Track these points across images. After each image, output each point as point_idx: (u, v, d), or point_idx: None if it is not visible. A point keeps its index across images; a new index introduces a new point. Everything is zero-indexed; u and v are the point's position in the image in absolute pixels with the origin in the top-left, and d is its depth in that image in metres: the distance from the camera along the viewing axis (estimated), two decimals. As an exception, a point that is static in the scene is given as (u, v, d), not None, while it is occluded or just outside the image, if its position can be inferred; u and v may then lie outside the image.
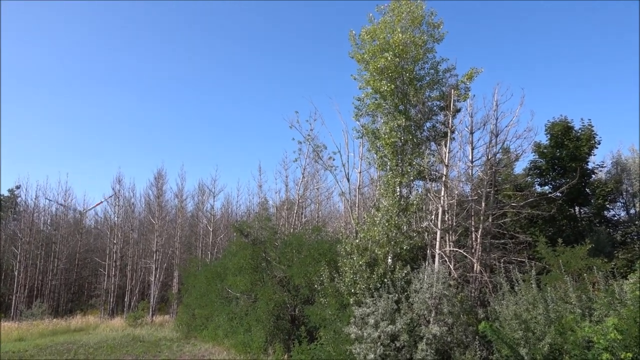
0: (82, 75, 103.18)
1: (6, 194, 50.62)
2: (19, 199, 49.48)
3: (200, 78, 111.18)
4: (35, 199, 43.40)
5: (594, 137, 20.38)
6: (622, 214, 22.29)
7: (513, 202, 16.76)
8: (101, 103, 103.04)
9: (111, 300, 37.13)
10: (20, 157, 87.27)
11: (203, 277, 23.21)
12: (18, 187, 49.46)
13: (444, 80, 16.27)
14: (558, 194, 19.06)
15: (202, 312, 21.70)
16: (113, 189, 40.77)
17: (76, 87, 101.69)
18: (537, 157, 21.03)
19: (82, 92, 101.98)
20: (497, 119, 15.67)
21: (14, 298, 36.64)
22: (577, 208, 20.94)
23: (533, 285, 10.76)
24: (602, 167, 21.64)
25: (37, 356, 16.45)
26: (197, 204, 43.67)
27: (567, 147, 19.93)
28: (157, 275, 33.82)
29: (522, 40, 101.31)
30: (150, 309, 32.26)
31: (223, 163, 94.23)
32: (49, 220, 46.16)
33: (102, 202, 45.36)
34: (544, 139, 21.03)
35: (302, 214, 27.96)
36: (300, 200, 26.82)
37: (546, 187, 21.03)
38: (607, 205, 21.20)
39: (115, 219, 40.16)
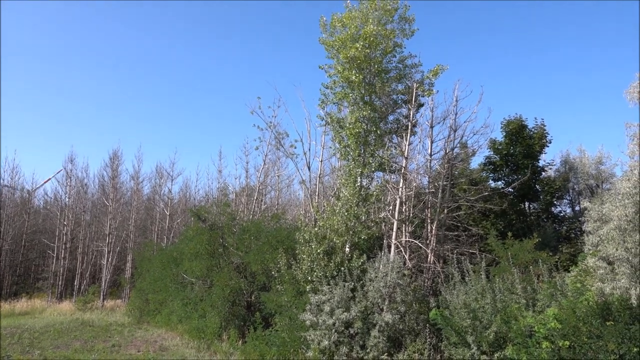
0: (34, 49, 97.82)
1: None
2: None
3: (159, 57, 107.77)
4: (-22, 176, 40.98)
5: (546, 136, 21.22)
6: (568, 210, 23.44)
7: (468, 196, 17.29)
8: (54, 79, 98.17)
9: (60, 283, 35.77)
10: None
11: (158, 262, 22.78)
12: (-40, 163, 46.64)
13: (409, 74, 16.52)
14: (510, 189, 19.79)
15: (155, 297, 21.33)
16: (64, 167, 39.14)
17: (26, 62, 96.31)
18: (492, 153, 21.68)
19: (33, 67, 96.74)
20: (456, 115, 16.09)
21: (-48, 279, 34.71)
22: (527, 203, 21.82)
23: (482, 276, 11.22)
24: (551, 165, 22.59)
25: (-22, 340, 15.72)
26: (154, 187, 42.59)
27: (520, 145, 20.65)
28: (110, 259, 32.85)
29: (486, 37, 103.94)
30: (102, 293, 31.35)
31: (182, 146, 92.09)
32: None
33: (50, 178, 43.43)
34: (499, 136, 21.72)
35: (262, 200, 27.83)
36: (260, 187, 26.67)
37: (499, 183, 21.76)
38: (555, 202, 22.21)
39: (67, 199, 38.60)
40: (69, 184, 38.71)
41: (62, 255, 35.99)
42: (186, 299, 18.75)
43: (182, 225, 34.34)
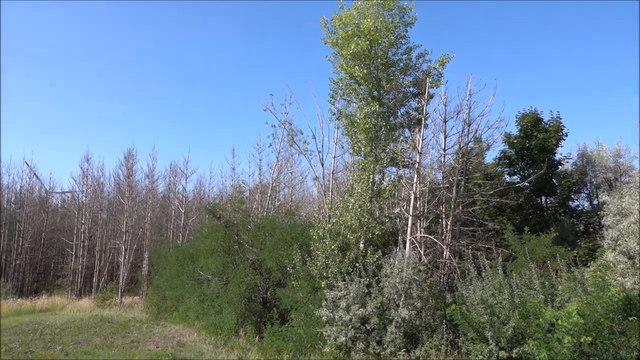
0: (50, 49, 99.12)
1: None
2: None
3: (172, 55, 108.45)
4: (-3, 176, 41.80)
5: (562, 129, 20.96)
6: (586, 204, 23.13)
7: (483, 191, 17.15)
8: (69, 79, 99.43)
9: (79, 280, 36.43)
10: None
11: (174, 259, 23.03)
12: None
13: (417, 66, 16.34)
14: (526, 183, 19.60)
15: (172, 293, 21.57)
16: (81, 167, 39.73)
17: (41, 62, 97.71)
18: (507, 147, 21.50)
19: (48, 67, 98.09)
20: (470, 109, 15.93)
21: (-25, 277, 35.51)
22: (543, 198, 21.59)
23: (499, 272, 11.12)
24: (568, 158, 22.31)
25: (1, 336, 16.06)
26: (169, 185, 43.07)
27: (536, 138, 20.43)
28: (127, 257, 33.31)
29: (498, 29, 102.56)
30: (119, 290, 31.83)
31: (196, 145, 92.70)
32: (12, 199, 44.70)
33: (69, 192, 44.13)
34: (514, 130, 21.51)
35: (275, 197, 27.95)
36: (274, 184, 26.76)
37: (515, 177, 21.57)
38: (572, 196, 21.95)
39: (83, 198, 39.24)
40: (85, 183, 39.33)
41: (81, 253, 36.62)
42: (203, 295, 18.92)
43: (197, 223, 34.66)
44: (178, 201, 37.60)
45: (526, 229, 15.00)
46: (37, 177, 43.64)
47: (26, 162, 42.39)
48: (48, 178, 48.58)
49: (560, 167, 21.49)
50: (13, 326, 18.82)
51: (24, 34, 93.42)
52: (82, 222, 37.41)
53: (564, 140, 21.07)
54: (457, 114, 16.21)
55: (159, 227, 40.97)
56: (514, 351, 9.42)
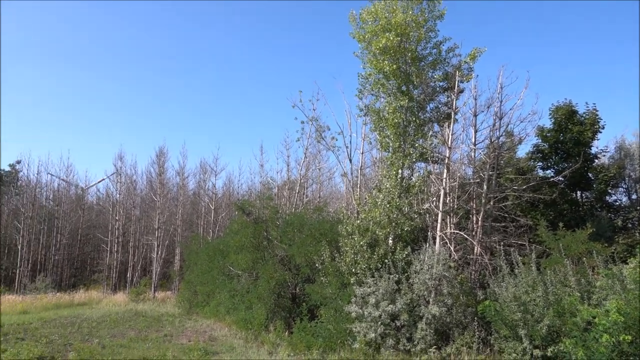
0: (85, 50, 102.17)
1: (7, 169, 50.77)
2: (21, 173, 49.63)
3: (200, 54, 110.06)
4: (37, 174, 43.47)
5: (598, 122, 20.25)
6: (624, 199, 22.29)
7: (515, 186, 16.76)
8: (101, 79, 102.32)
9: (114, 275, 37.53)
10: (21, 132, 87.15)
11: (205, 255, 23.42)
12: (19, 162, 49.59)
13: (447, 60, 16.08)
14: (560, 178, 19.05)
15: (203, 289, 21.96)
16: (115, 165, 40.87)
17: (76, 63, 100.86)
18: (540, 140, 20.95)
19: (82, 67, 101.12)
20: (501, 102, 15.55)
21: (17, 272, 37.04)
22: (578, 193, 20.96)
23: (533, 268, 10.87)
24: (605, 152, 21.56)
25: (42, 329, 16.72)
26: (199, 182, 43.85)
27: (570, 131, 19.82)
28: (159, 252, 34.10)
29: (529, 20, 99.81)
30: (153, 285, 32.64)
31: (225, 142, 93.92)
32: (51, 196, 46.37)
33: (104, 179, 45.51)
34: (547, 123, 20.93)
35: (303, 194, 28.05)
36: (302, 180, 26.87)
37: (548, 171, 21.00)
38: (609, 191, 21.19)
39: (117, 195, 40.36)
40: (119, 180, 40.44)
41: (115, 249, 37.72)
42: (233, 290, 19.19)
43: (227, 219, 35.14)
44: (208, 198, 38.21)
45: (561, 224, 14.61)
46: (67, 182, 45.16)
47: (50, 174, 44.10)
48: (84, 176, 50.18)
49: (596, 160, 20.78)
50: (53, 319, 19.55)
51: (63, 34, 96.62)
52: (116, 218, 38.48)
53: (601, 133, 20.35)
54: (488, 107, 15.86)
55: (190, 223, 41.75)
56: (548, 350, 9.22)
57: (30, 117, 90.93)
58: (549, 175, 20.27)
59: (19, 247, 37.68)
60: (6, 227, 42.80)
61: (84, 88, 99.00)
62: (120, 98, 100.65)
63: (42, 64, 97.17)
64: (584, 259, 11.79)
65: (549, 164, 21.00)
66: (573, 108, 20.44)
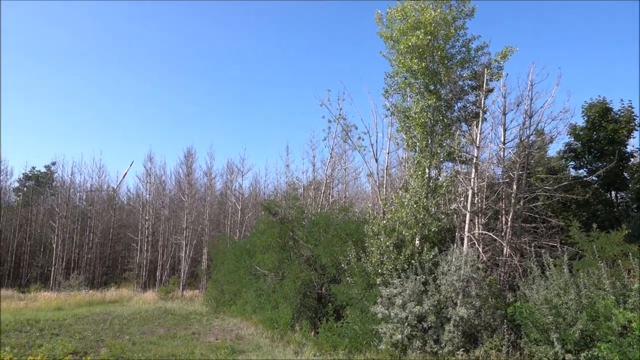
0: (115, 55, 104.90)
1: (43, 170, 52.60)
2: (55, 174, 51.37)
3: (226, 55, 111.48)
4: (71, 175, 44.86)
5: (634, 120, 19.57)
6: (661, 199, 21.44)
7: (546, 186, 16.35)
8: (132, 82, 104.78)
9: (143, 274, 38.40)
10: (56, 135, 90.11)
11: (232, 254, 23.69)
12: (54, 164, 51.31)
13: (476, 58, 15.76)
14: (594, 177, 18.50)
15: (230, 288, 22.20)
16: (144, 165, 41.81)
17: (106, 68, 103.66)
18: (572, 139, 20.39)
19: (112, 72, 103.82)
20: (531, 100, 15.20)
21: (52, 269, 38.32)
22: (613, 193, 20.31)
23: (565, 270, 10.56)
24: (642, 150, 20.79)
25: (75, 325, 17.24)
26: (226, 182, 44.42)
27: (604, 130, 19.24)
28: (187, 251, 34.69)
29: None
30: (181, 284, 33.22)
31: (251, 143, 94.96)
32: (84, 196, 47.79)
33: (126, 172, 46.83)
34: (580, 121, 20.36)
35: (329, 194, 28.05)
36: (327, 181, 26.87)
37: (581, 171, 20.42)
38: (646, 191, 20.43)
39: (147, 196, 41.26)
40: (148, 181, 41.34)
41: (145, 248, 38.58)
42: (259, 290, 19.34)
43: (253, 219, 35.46)
44: (235, 198, 38.64)
45: (594, 225, 14.15)
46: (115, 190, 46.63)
47: (113, 187, 45.47)
48: (115, 177, 51.49)
49: (632, 159, 20.07)
50: (86, 316, 20.14)
51: (101, 37, 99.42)
52: (146, 218, 39.35)
53: (637, 130, 19.69)
54: (518, 105, 15.52)
55: (217, 223, 42.33)
56: (581, 355, 8.93)
57: (65, 119, 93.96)
58: (582, 175, 19.72)
59: (54, 246, 38.96)
60: (42, 226, 44.36)
61: (116, 90, 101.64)
62: (151, 99, 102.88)
63: (75, 67, 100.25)
64: (619, 261, 11.38)
65: (582, 163, 20.42)
66: (607, 105, 19.83)
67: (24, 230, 44.18)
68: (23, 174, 51.11)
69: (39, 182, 51.11)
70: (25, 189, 50.54)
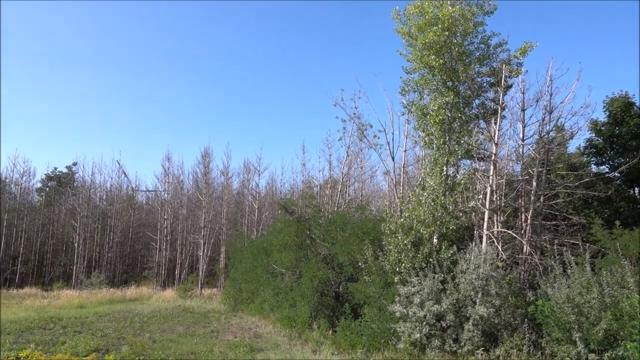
0: (131, 57, 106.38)
1: (64, 170, 53.63)
2: (76, 175, 52.35)
3: (242, 56, 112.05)
4: (91, 175, 45.68)
5: (659, 114, 19.11)
6: (687, 196, 20.90)
7: (566, 182, 16.07)
8: (148, 83, 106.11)
9: (162, 272, 38.86)
10: (76, 136, 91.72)
11: (249, 253, 23.82)
12: (75, 164, 52.28)
13: (494, 55, 15.56)
14: (616, 174, 18.11)
15: (248, 286, 22.33)
16: (163, 166, 42.29)
17: (123, 70, 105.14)
18: (593, 135, 20.00)
19: (129, 75, 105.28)
20: (551, 95, 15.00)
21: (74, 268, 39.07)
22: (637, 189, 19.86)
23: (587, 269, 10.36)
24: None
25: (97, 322, 17.54)
26: (243, 181, 44.69)
27: (627, 125, 18.83)
28: (205, 250, 35.01)
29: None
30: (199, 282, 33.53)
31: (267, 142, 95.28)
32: (104, 196, 48.62)
33: (153, 191, 47.50)
34: (601, 116, 19.95)
35: (345, 192, 28.02)
36: (344, 179, 26.83)
37: (603, 167, 20.03)
38: (671, 187, 19.95)
39: (165, 195, 41.75)
40: (167, 180, 41.82)
41: (164, 247, 39.03)
42: (277, 288, 19.40)
43: (270, 218, 35.61)
44: (252, 197, 38.84)
45: (617, 223, 13.86)
46: (126, 175, 47.18)
47: (117, 161, 46.18)
48: (134, 177, 52.25)
49: (656, 155, 19.60)
50: (107, 313, 20.47)
51: (111, 37, 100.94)
52: (165, 217, 39.81)
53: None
54: (537, 101, 15.33)
55: (234, 222, 42.62)
56: (605, 354, 8.76)
57: (85, 120, 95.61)
58: (604, 171, 19.34)
59: (76, 245, 39.71)
60: (64, 225, 45.25)
61: (134, 91, 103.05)
62: (169, 100, 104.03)
63: (94, 69, 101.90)
64: (644, 259, 11.15)
65: (604, 159, 20.03)
66: (630, 100, 19.41)
67: (47, 230, 45.11)
68: (45, 174, 52.19)
69: (61, 183, 52.12)
70: (47, 189, 51.60)
